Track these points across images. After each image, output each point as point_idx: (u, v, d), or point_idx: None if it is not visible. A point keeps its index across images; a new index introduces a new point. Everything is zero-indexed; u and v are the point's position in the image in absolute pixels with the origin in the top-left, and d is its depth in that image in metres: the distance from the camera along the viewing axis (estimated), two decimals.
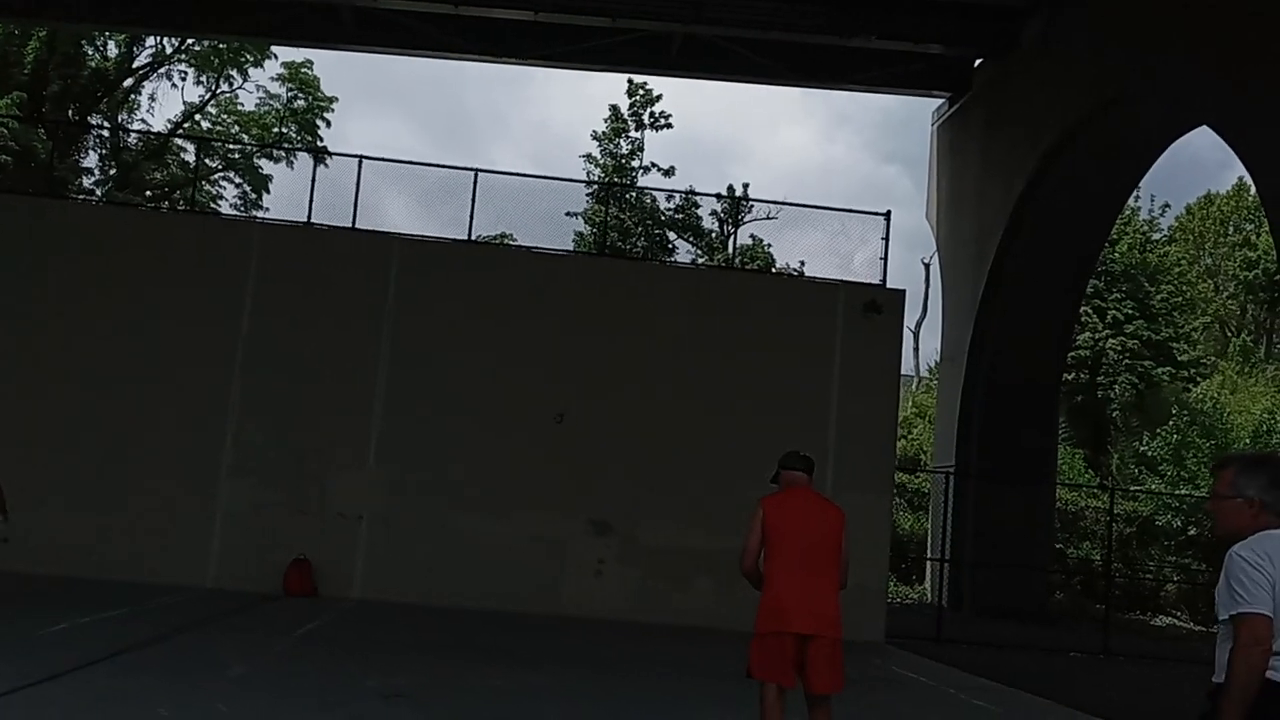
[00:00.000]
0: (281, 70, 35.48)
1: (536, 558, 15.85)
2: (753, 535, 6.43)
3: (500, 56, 24.91)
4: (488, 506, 15.90)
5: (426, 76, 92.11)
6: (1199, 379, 35.64)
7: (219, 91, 35.40)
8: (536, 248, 17.74)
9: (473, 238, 17.42)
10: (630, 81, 33.53)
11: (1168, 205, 40.63)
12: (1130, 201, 33.63)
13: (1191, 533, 26.71)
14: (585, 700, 9.41)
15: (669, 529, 16.03)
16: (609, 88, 76.41)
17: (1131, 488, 29.18)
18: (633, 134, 34.15)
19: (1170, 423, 31.07)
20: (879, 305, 16.92)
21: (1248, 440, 29.63)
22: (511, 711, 8.62)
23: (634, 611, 15.63)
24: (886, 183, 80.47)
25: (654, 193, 32.73)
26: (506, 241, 24.65)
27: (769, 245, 32.23)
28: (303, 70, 35.63)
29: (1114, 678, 14.33)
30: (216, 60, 34.44)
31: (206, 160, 33.09)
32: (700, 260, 31.27)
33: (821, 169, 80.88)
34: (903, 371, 39.00)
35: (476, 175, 16.60)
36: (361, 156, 16.81)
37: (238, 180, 35.32)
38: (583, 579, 15.99)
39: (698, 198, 32.23)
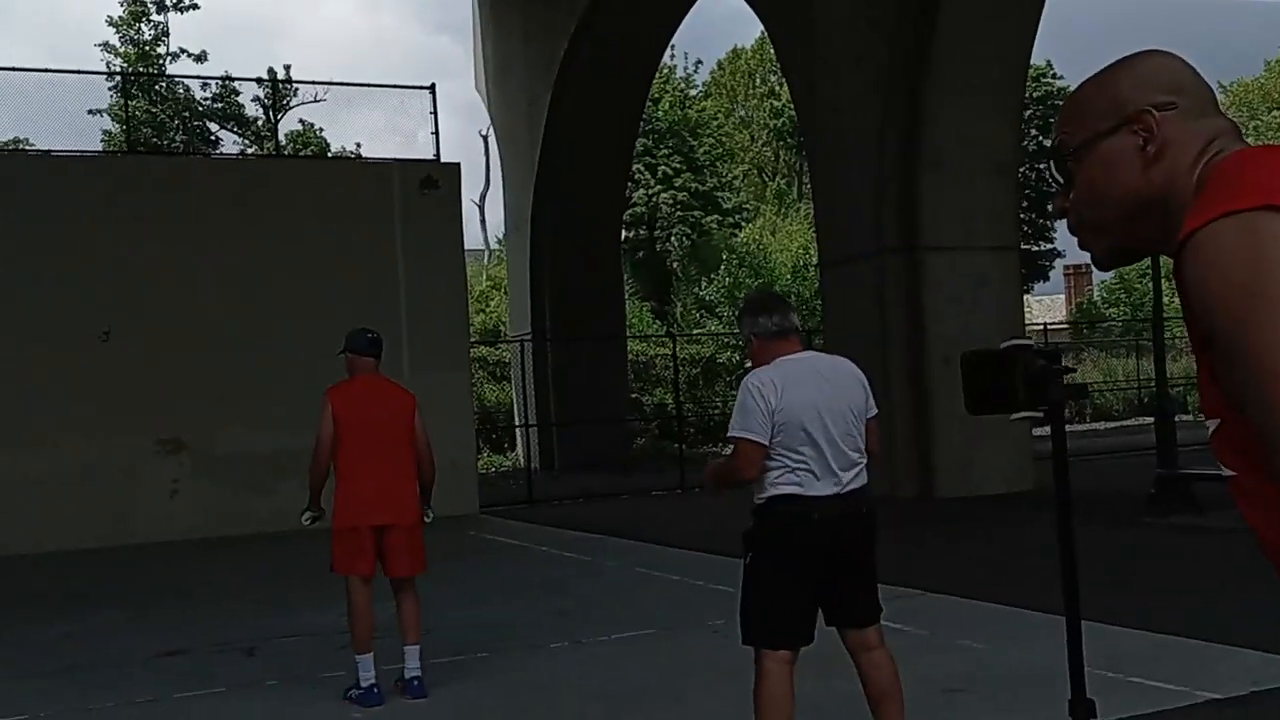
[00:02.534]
0: None
1: (100, 488, 14.68)
2: (324, 427, 6.26)
3: None
4: (30, 440, 14.46)
5: None
6: (744, 224, 38.50)
7: None
8: (55, 151, 15.98)
9: None
10: None
11: (700, 62, 43.10)
12: (667, 60, 35.24)
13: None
14: (158, 629, 8.90)
15: (245, 436, 15.34)
16: None
17: (694, 332, 31.27)
18: (155, 17, 31.34)
19: (722, 267, 33.46)
20: (435, 180, 16.76)
21: (788, 275, 32.52)
22: (75, 658, 8.00)
23: (218, 526, 14.93)
24: (440, 53, 79.57)
25: (186, 81, 30.40)
26: (21, 147, 22.09)
27: (321, 129, 31.04)
28: None
29: (689, 510, 15.46)
30: None
31: None
32: (249, 151, 29.55)
33: (372, 42, 78.58)
34: (472, 245, 39.31)
35: None
36: None
37: None
38: (157, 502, 15.03)
39: (236, 84, 30.25)
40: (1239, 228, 1.26)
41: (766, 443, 4.22)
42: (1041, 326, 28.34)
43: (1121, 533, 11.27)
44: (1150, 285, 19.14)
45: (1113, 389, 32.37)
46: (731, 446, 4.36)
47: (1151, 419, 15.80)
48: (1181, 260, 1.32)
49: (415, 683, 6.33)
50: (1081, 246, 1.59)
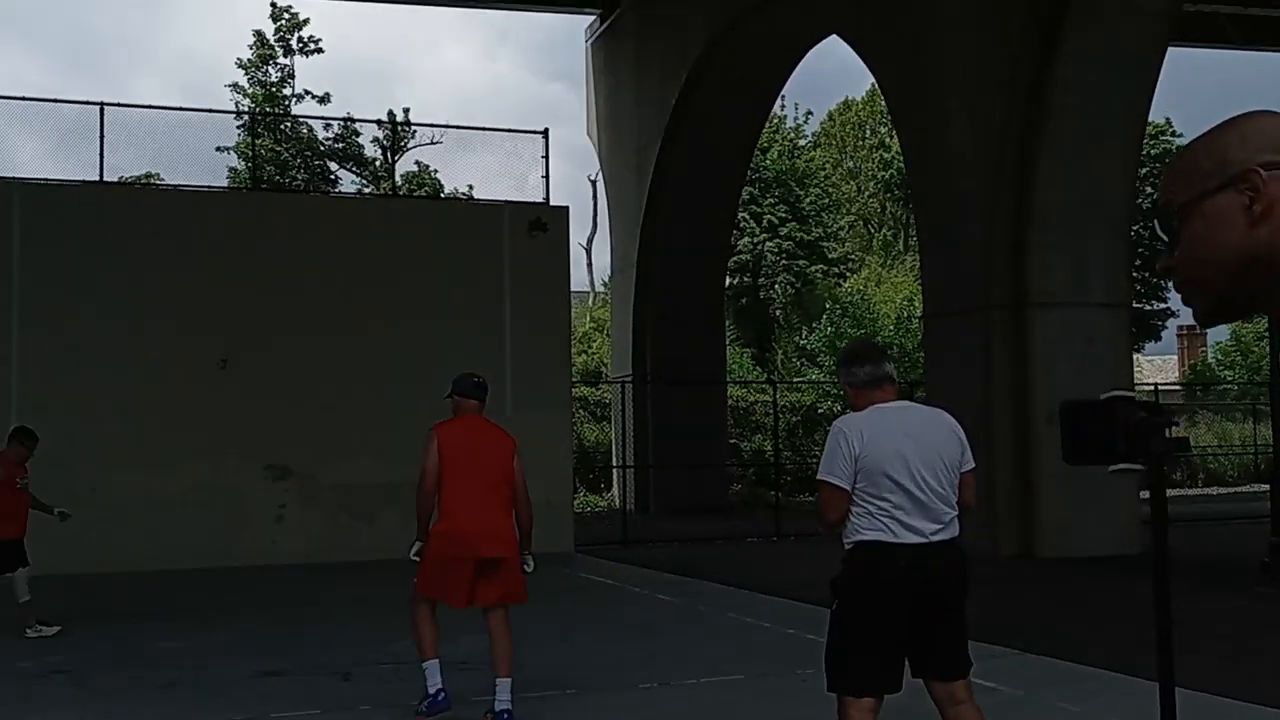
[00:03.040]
0: None
1: (210, 510, 15.15)
2: (429, 459, 6.46)
3: None
4: (148, 462, 15.00)
5: (48, 4, 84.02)
6: (848, 274, 38.32)
7: None
8: (183, 186, 16.67)
9: (111, 178, 16.15)
10: (274, 5, 31.88)
11: (811, 112, 43.08)
12: (777, 110, 35.38)
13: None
14: (260, 650, 9.14)
15: (349, 466, 15.70)
16: (255, 10, 72.22)
17: (794, 380, 31.14)
18: (281, 60, 32.57)
19: (824, 316, 33.29)
20: (544, 223, 17.05)
21: (891, 326, 32.22)
22: (179, 673, 8.26)
23: (320, 553, 15.28)
24: (553, 101, 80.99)
25: (309, 121, 31.48)
26: (153, 181, 23.06)
27: (435, 171, 31.81)
28: None
29: (784, 556, 15.37)
30: None
31: None
32: (366, 190, 30.42)
33: (487, 89, 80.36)
34: (577, 287, 39.76)
35: (102, 109, 15.34)
36: None
37: None
38: (263, 527, 15.45)
39: (357, 125, 31.24)
40: None
41: (848, 487, 4.25)
42: (1153, 386, 27.58)
43: (1231, 601, 10.92)
44: (1268, 347, 18.56)
45: (1227, 453, 31.33)
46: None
47: (1267, 486, 15.29)
48: None
49: (505, 715, 6.42)
50: (1185, 303, 1.61)
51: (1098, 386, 13.89)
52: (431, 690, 6.45)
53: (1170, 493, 22.33)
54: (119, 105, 15.75)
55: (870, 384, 4.43)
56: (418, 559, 6.55)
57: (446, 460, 6.42)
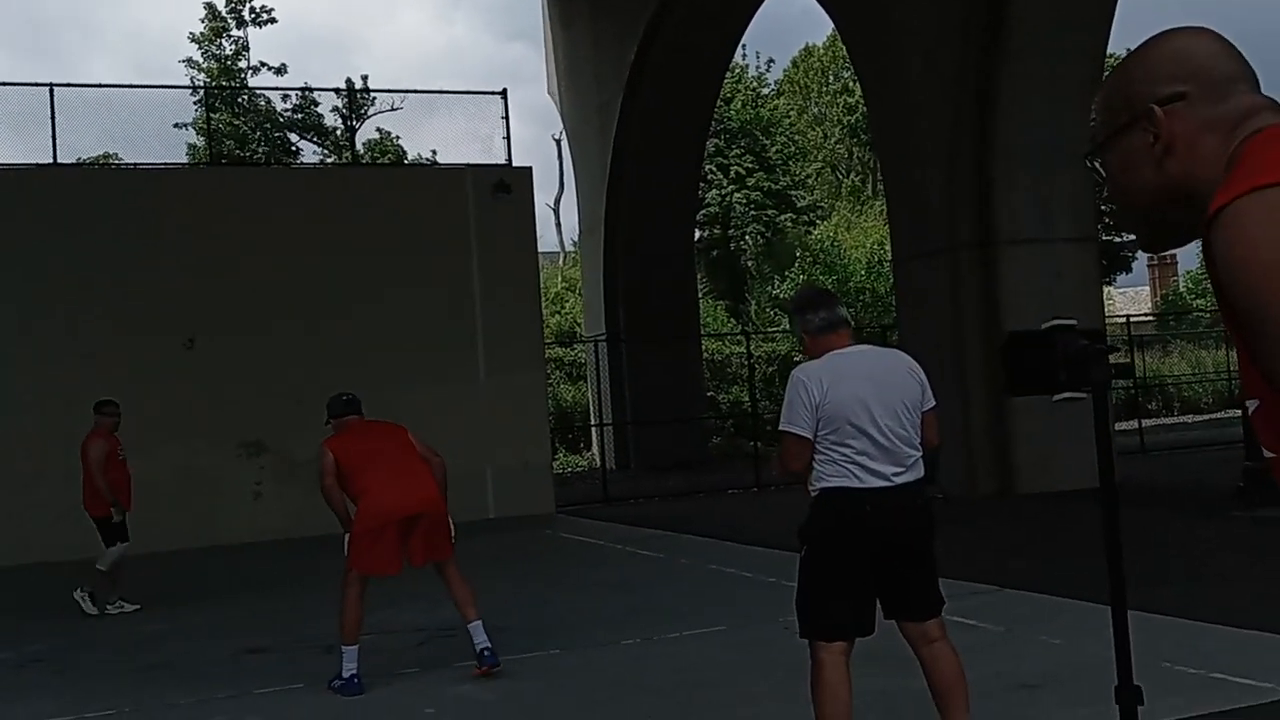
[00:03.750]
0: None
1: (186, 490, 15.04)
2: (326, 471, 6.75)
3: None
4: (123, 443, 14.84)
5: None
6: (818, 221, 38.25)
7: None
8: (140, 164, 16.43)
9: (69, 160, 15.92)
10: None
11: (772, 60, 42.95)
12: (738, 59, 35.15)
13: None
14: (241, 628, 9.12)
15: (322, 439, 15.59)
16: None
17: (768, 329, 31.15)
18: (235, 32, 32.06)
19: (796, 265, 33.27)
20: (507, 185, 16.92)
21: (863, 271, 32.25)
22: (161, 655, 8.22)
23: (299, 528, 15.15)
24: (514, 61, 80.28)
25: (267, 94, 31.05)
26: (110, 161, 22.76)
27: (398, 138, 31.50)
28: None
29: (764, 507, 15.42)
30: None
31: None
32: (328, 160, 30.10)
33: (446, 52, 79.58)
34: (548, 248, 39.54)
35: (52, 90, 15.08)
36: None
37: None
38: (240, 505, 15.38)
39: (316, 94, 30.84)
40: (1264, 203, 1.25)
41: (810, 436, 4.24)
42: (1124, 319, 27.72)
43: (1207, 526, 11.03)
44: None
45: (1200, 381, 31.59)
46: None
47: (1240, 411, 15.41)
48: (1208, 237, 1.30)
49: (486, 653, 6.64)
50: (1128, 230, 1.61)
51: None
52: (346, 674, 6.60)
53: (1146, 422, 22.50)
54: (70, 85, 15.49)
55: (825, 329, 4.39)
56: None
57: (350, 460, 6.70)
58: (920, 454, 4.35)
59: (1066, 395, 3.11)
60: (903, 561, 4.32)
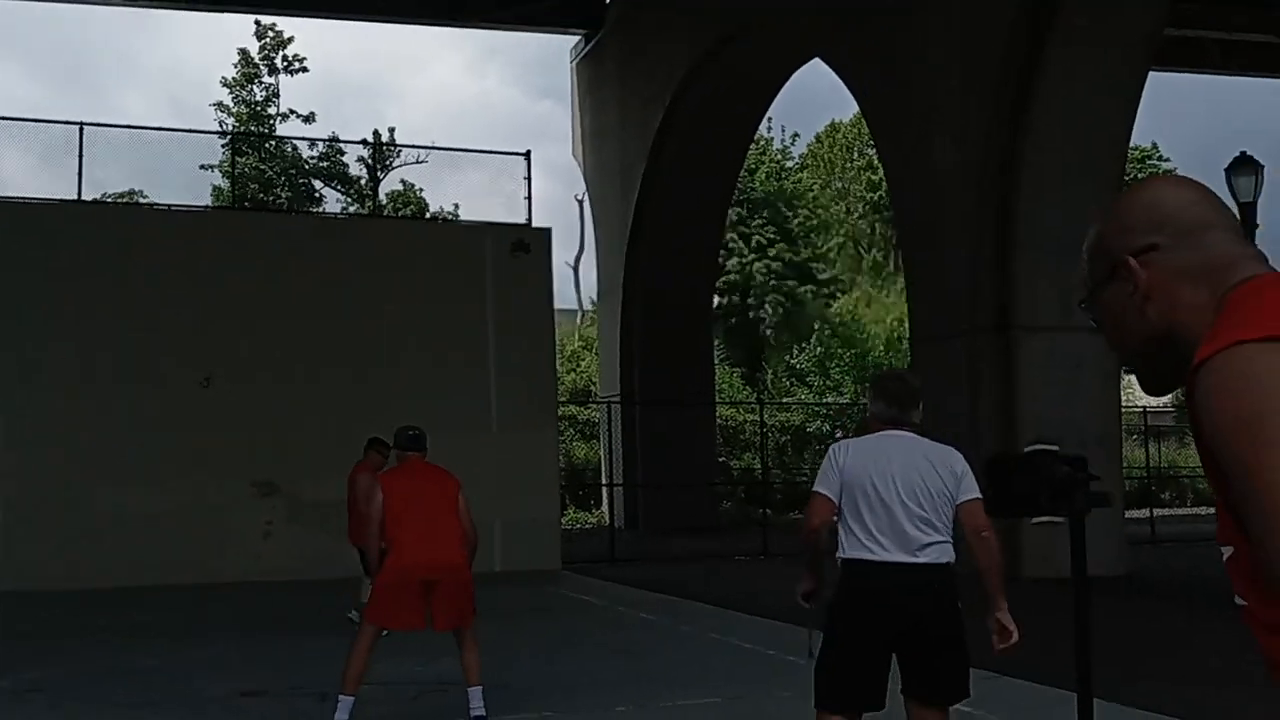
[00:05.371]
0: None
1: (198, 526, 15.10)
2: (374, 506, 6.78)
3: None
4: (136, 478, 14.96)
5: (40, 16, 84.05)
6: (838, 295, 38.40)
7: None
8: (159, 204, 16.69)
9: (95, 197, 16.20)
10: (258, 23, 31.90)
11: (797, 135, 43.27)
12: (764, 131, 35.52)
13: (839, 436, 28.89)
14: (240, 668, 9.10)
15: (334, 483, 15.63)
16: (241, 28, 72.24)
17: (783, 399, 31.17)
18: (266, 79, 32.58)
19: (814, 337, 33.34)
20: (526, 244, 17.07)
21: (882, 347, 32.29)
22: (157, 692, 8.21)
23: (306, 570, 15.19)
24: (543, 117, 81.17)
25: (295, 141, 31.48)
26: (136, 199, 23.11)
27: (421, 190, 31.84)
28: None
29: (771, 576, 15.33)
30: None
31: None
32: (351, 209, 30.43)
33: (476, 104, 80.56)
34: (567, 306, 39.68)
35: (82, 129, 15.37)
36: None
37: None
38: (250, 543, 15.40)
39: (341, 144, 31.26)
40: (1245, 358, 1.28)
41: (832, 497, 4.36)
42: (1141, 410, 27.63)
43: (1216, 620, 10.92)
44: None
45: None
46: None
47: None
48: (1191, 388, 1.33)
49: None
50: (1132, 373, 1.64)
51: (1085, 411, 13.93)
52: None
53: (1159, 511, 22.22)
54: (99, 125, 15.80)
55: (885, 421, 4.52)
56: (354, 617, 6.80)
57: (393, 503, 6.73)
58: (946, 540, 4.37)
59: (1046, 519, 3.15)
60: (918, 642, 4.32)
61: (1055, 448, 3.18)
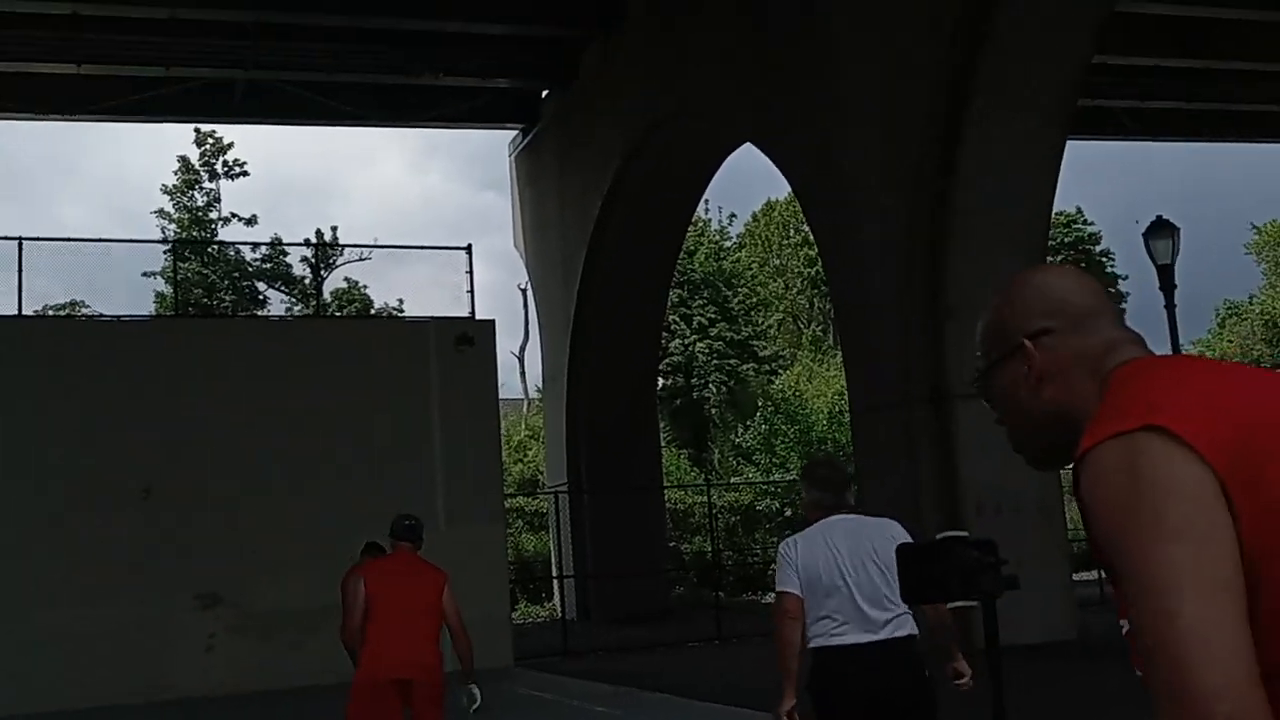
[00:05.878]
0: None
1: (139, 642, 14.78)
2: (355, 599, 6.69)
3: (44, 114, 23.15)
4: (74, 596, 14.64)
5: None
6: (780, 370, 38.72)
7: None
8: (101, 316, 16.60)
9: (35, 307, 16.09)
10: (197, 130, 32.09)
11: (734, 215, 43.94)
12: (701, 213, 36.06)
13: (788, 514, 28.95)
14: None
15: (278, 592, 15.44)
16: (182, 135, 72.49)
17: (731, 479, 31.25)
18: (207, 185, 32.69)
19: (758, 414, 33.56)
20: (470, 338, 17.15)
21: (825, 421, 32.54)
22: None
23: (252, 682, 14.94)
24: (485, 208, 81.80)
25: (237, 245, 31.52)
26: (77, 310, 22.97)
27: (365, 287, 31.91)
28: None
29: (725, 660, 15.30)
30: None
31: None
32: (295, 309, 30.40)
33: (420, 199, 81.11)
34: (514, 395, 39.60)
35: (20, 244, 15.33)
36: None
37: None
38: (193, 657, 15.10)
39: (285, 246, 31.33)
40: (1121, 449, 1.37)
41: (799, 593, 4.51)
42: None
43: None
44: None
45: None
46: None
47: None
48: (1077, 477, 1.43)
49: None
50: (1016, 450, 1.71)
51: (1024, 477, 14.12)
52: None
53: None
54: (39, 240, 15.77)
55: (820, 508, 4.69)
56: None
57: (373, 596, 6.64)
58: (905, 611, 4.52)
59: (959, 604, 3.29)
60: (894, 716, 4.45)
61: (965, 534, 3.32)
